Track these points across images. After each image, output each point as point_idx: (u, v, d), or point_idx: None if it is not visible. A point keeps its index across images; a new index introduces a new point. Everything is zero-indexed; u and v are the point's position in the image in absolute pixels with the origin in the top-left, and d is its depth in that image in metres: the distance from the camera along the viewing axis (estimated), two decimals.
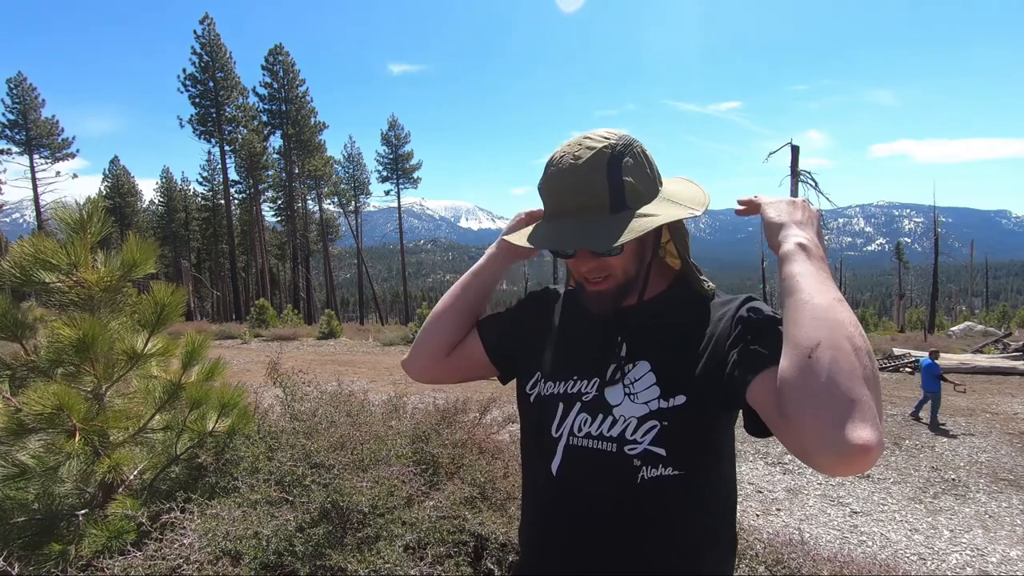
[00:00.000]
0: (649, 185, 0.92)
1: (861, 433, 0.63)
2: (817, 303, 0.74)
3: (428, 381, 1.22)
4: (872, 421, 0.64)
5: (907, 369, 10.84)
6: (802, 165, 21.21)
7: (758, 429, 0.81)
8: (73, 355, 2.02)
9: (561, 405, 0.98)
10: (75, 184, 40.77)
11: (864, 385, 0.67)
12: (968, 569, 3.48)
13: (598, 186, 0.87)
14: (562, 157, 0.89)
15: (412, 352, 1.19)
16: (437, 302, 1.20)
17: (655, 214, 0.88)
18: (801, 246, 0.83)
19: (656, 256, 1.00)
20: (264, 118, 40.58)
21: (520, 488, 2.63)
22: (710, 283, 1.01)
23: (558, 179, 0.89)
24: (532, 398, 1.04)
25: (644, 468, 0.89)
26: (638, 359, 0.94)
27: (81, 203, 2.10)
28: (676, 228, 1.02)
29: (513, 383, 1.14)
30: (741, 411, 0.85)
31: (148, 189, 51.47)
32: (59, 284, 2.04)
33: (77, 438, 1.95)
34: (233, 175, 40.75)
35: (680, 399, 0.88)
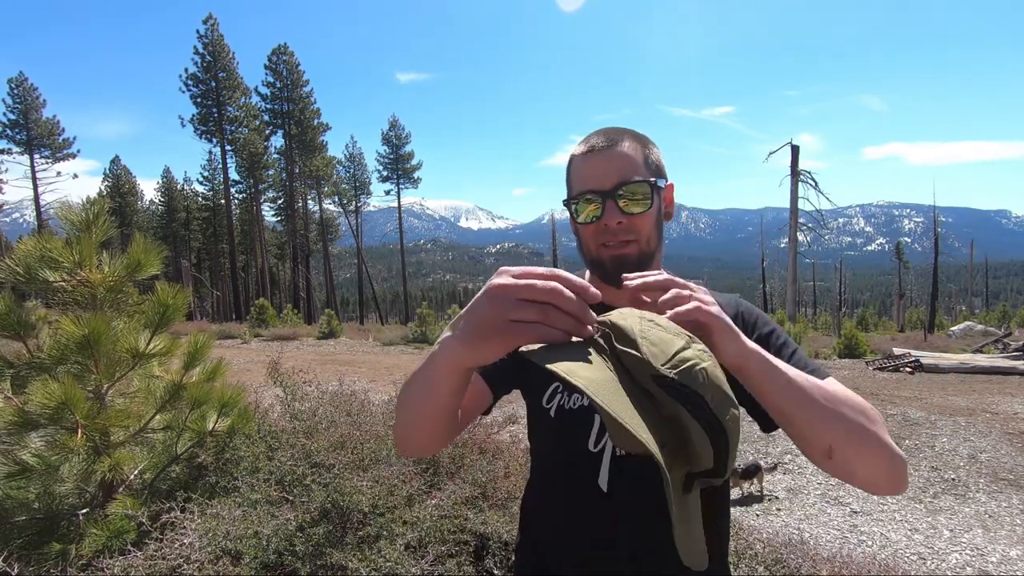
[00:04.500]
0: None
1: None
2: None
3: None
4: None
5: (907, 369, 10.84)
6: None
7: (769, 426, 0.86)
8: (77, 353, 2.03)
9: (597, 417, 0.94)
10: (75, 184, 40.86)
11: None
12: (968, 569, 3.48)
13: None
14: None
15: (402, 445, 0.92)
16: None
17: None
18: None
19: (660, 246, 0.98)
20: (266, 118, 40.57)
21: (520, 488, 2.63)
22: None
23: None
24: (553, 411, 0.98)
25: None
26: None
27: (83, 203, 2.11)
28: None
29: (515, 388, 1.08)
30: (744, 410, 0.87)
31: (149, 189, 51.53)
32: (62, 283, 2.04)
33: (80, 434, 1.95)
34: (234, 175, 40.75)
35: None
